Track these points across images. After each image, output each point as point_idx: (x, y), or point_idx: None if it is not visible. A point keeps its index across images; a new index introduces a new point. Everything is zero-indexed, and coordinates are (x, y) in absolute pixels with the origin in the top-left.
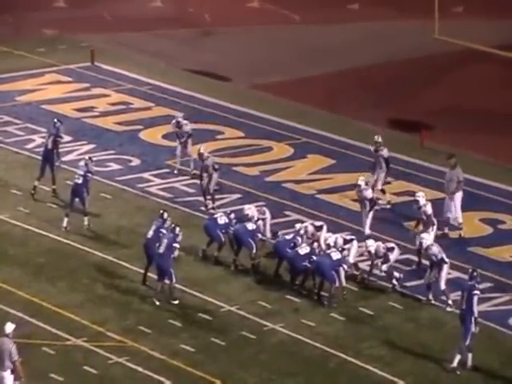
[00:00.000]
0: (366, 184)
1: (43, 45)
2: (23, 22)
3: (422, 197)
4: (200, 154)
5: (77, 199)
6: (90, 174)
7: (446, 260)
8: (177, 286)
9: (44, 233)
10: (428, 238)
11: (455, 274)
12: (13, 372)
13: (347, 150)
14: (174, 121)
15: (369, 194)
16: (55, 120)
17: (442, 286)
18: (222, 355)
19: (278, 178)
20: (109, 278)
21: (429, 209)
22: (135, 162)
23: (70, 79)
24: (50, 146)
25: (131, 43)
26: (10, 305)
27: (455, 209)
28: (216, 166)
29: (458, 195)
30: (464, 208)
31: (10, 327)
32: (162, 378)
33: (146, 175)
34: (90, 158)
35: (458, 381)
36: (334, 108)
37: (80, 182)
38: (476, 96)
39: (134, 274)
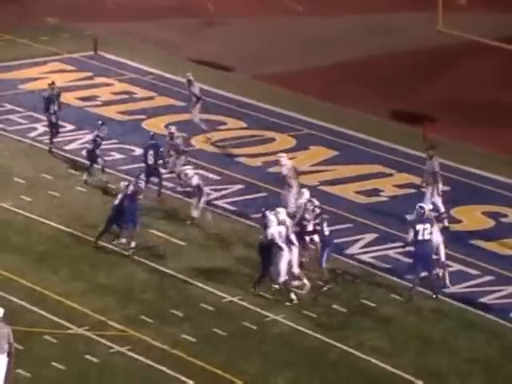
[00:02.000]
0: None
1: (46, 33)
2: (27, 10)
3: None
4: (171, 133)
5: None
6: (99, 139)
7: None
8: (179, 276)
9: (46, 221)
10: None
11: (457, 266)
12: (9, 355)
13: (350, 142)
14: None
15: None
16: (99, 122)
17: None
18: (223, 345)
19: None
20: (110, 267)
21: None
22: (138, 151)
23: (73, 68)
24: (90, 147)
25: (134, 32)
26: (12, 293)
27: (431, 200)
28: (185, 148)
29: (438, 186)
30: (466, 201)
31: (0, 311)
32: (163, 368)
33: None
34: (102, 123)
35: (459, 372)
36: (336, 99)
37: (91, 147)
38: (479, 89)
39: (137, 263)
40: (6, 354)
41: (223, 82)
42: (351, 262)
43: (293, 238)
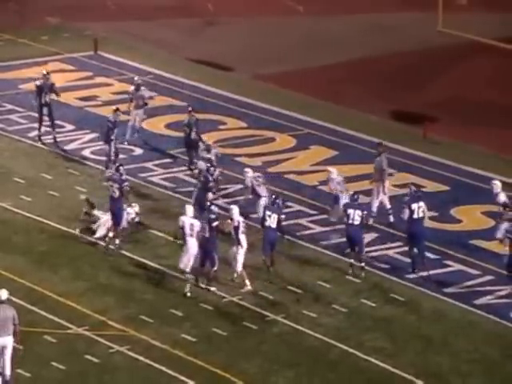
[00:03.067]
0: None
1: (47, 33)
2: (27, 10)
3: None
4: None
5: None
6: (110, 124)
7: None
8: (177, 275)
9: (46, 221)
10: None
11: (457, 266)
12: (14, 335)
13: (350, 142)
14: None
15: None
16: (189, 108)
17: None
18: (223, 345)
19: (281, 169)
20: (111, 267)
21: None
22: (138, 151)
23: (73, 68)
24: (193, 136)
25: (134, 32)
26: (13, 292)
27: (378, 197)
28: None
29: (386, 183)
30: (466, 201)
31: (4, 294)
32: (163, 368)
33: (148, 165)
34: (117, 109)
35: (459, 373)
36: (337, 99)
37: (104, 130)
38: (479, 88)
39: (136, 262)
40: (12, 334)
41: (223, 81)
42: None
43: (242, 238)
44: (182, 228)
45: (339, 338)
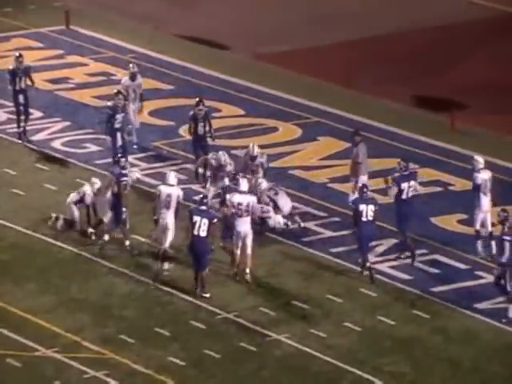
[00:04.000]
0: None
1: (9, 4)
2: None
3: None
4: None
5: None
6: (109, 111)
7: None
8: (164, 288)
9: (9, 224)
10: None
11: (491, 278)
12: None
13: (366, 132)
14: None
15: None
16: (197, 99)
17: None
18: (216, 370)
19: (284, 164)
20: (85, 279)
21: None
22: (117, 142)
23: (40, 45)
24: (200, 132)
25: (113, 4)
26: None
27: (354, 193)
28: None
29: (361, 179)
30: (502, 201)
31: None
32: None
33: (129, 158)
34: (118, 92)
35: None
36: (350, 83)
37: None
38: None
39: (115, 273)
40: None
41: (218, 61)
42: (366, 272)
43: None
44: (159, 198)
45: (353, 361)
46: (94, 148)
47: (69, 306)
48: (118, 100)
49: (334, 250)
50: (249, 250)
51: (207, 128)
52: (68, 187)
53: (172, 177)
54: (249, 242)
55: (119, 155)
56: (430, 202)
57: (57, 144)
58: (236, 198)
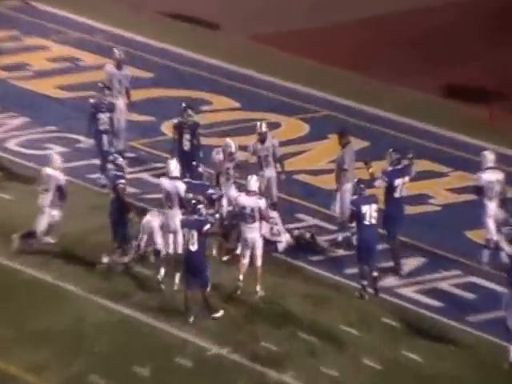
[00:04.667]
0: None
1: None
2: None
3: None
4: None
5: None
6: (92, 109)
7: None
8: (144, 319)
9: None
10: None
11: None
12: None
13: (386, 128)
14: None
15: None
16: (183, 105)
17: None
18: None
19: (288, 168)
20: (47, 306)
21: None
22: (85, 142)
23: None
24: (186, 147)
25: None
26: None
27: (340, 202)
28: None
29: (346, 187)
30: None
31: None
32: None
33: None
34: (105, 86)
35: None
36: (365, 69)
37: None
38: None
39: (83, 299)
40: None
41: (208, 44)
42: (389, 298)
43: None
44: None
45: None
46: (57, 149)
47: (27, 341)
48: (102, 93)
49: (348, 271)
50: (259, 262)
51: (195, 142)
52: (29, 197)
53: (174, 165)
54: (258, 252)
55: (113, 153)
56: (462, 211)
57: (11, 144)
58: (241, 200)
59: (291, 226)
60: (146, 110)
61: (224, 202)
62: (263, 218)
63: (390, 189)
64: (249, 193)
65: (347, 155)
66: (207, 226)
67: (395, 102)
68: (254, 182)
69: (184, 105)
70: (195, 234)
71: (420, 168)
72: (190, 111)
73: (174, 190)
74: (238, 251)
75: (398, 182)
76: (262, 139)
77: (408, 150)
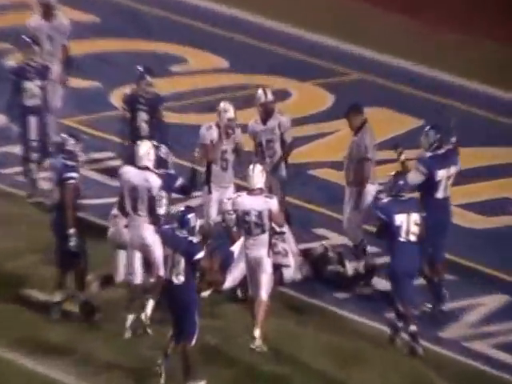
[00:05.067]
0: None
1: None
2: None
3: None
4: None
5: None
6: (12, 76)
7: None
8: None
9: None
10: None
11: None
12: None
13: (448, 100)
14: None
15: None
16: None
17: None
18: None
19: (301, 159)
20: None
21: None
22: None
23: None
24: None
25: None
26: None
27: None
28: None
29: (368, 189)
30: None
31: None
32: None
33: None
34: (32, 41)
35: None
36: (417, 12)
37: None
38: None
39: None
40: None
41: None
42: (458, 357)
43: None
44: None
45: None
46: None
47: None
48: (29, 56)
49: (390, 314)
50: (264, 294)
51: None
52: None
53: (147, 147)
54: (264, 278)
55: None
56: None
57: None
58: (241, 203)
59: (306, 245)
60: (87, 73)
61: (213, 208)
62: (276, 224)
63: (430, 185)
64: (252, 191)
65: (367, 138)
66: (200, 255)
67: (463, 63)
68: (258, 175)
69: (141, 69)
70: (182, 260)
71: (498, 161)
72: (149, 78)
73: (144, 186)
74: (227, 284)
75: (440, 174)
76: (266, 116)
77: (450, 130)
